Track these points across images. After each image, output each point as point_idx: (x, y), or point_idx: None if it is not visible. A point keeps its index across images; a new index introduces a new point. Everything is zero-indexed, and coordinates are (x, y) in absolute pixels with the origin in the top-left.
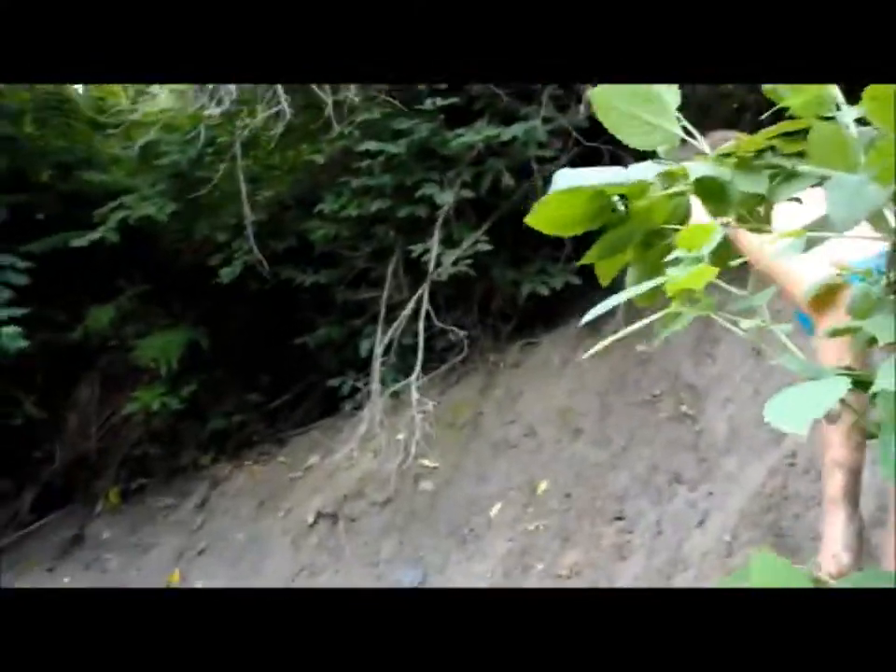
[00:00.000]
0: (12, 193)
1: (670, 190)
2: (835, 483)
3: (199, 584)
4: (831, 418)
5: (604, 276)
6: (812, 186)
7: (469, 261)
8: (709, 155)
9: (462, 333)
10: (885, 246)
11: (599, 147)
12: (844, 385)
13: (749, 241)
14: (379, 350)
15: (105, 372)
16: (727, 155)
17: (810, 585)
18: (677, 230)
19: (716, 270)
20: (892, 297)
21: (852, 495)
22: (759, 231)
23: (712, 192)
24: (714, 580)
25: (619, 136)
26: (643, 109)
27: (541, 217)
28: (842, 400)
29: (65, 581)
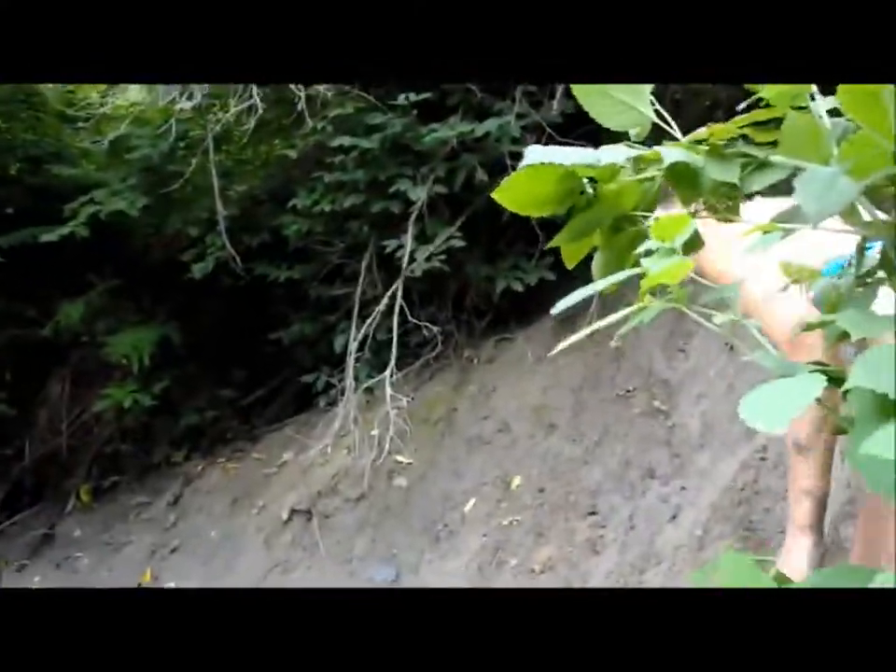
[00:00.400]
0: None
1: (641, 175)
2: (803, 511)
3: (171, 583)
4: (799, 448)
5: (570, 259)
6: (784, 177)
7: (442, 257)
8: (682, 141)
9: (436, 329)
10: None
11: (573, 142)
12: (819, 383)
13: (709, 261)
14: (353, 346)
15: (76, 369)
16: (699, 142)
17: (773, 586)
18: (646, 216)
19: (692, 264)
20: (861, 290)
21: (818, 522)
22: (728, 220)
23: (684, 178)
24: (686, 573)
25: (593, 114)
26: (619, 90)
27: (509, 194)
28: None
29: (36, 580)
